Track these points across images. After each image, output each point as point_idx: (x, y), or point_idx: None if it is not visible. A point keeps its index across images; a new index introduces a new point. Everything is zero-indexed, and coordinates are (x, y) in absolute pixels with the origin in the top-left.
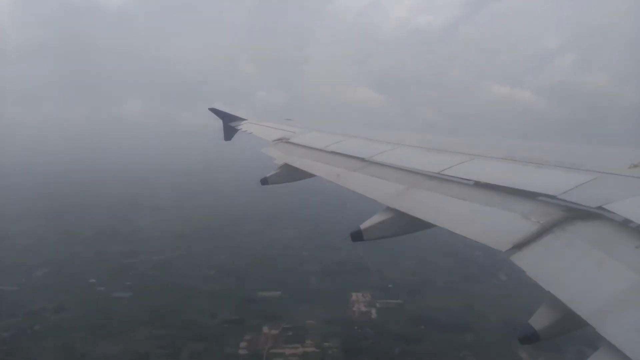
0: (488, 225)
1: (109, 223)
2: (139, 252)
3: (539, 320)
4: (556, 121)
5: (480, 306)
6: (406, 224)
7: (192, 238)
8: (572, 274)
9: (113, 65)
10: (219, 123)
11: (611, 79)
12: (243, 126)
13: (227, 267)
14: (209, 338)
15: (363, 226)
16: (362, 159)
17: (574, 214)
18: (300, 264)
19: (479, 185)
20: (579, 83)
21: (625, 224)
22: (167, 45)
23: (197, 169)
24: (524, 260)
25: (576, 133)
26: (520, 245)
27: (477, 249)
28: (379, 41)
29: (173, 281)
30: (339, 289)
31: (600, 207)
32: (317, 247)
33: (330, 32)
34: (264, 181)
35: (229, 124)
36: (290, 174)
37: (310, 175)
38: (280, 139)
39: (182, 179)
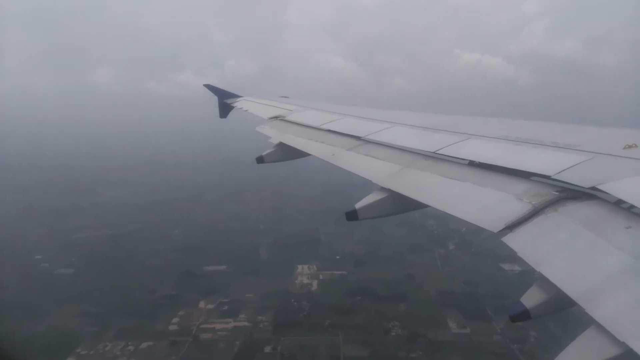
0: (481, 206)
1: (70, 197)
2: (92, 227)
3: (530, 298)
4: (537, 86)
5: (421, 276)
6: (400, 204)
7: (151, 212)
8: (563, 255)
9: (81, 33)
10: (194, 93)
11: (584, 45)
12: (238, 103)
13: (179, 241)
14: (142, 314)
15: (358, 205)
16: (358, 138)
17: (568, 194)
18: (254, 237)
19: (473, 165)
20: (553, 49)
21: (617, 205)
22: (136, 12)
23: (180, 143)
24: (516, 241)
25: (548, 98)
26: (512, 226)
27: (431, 218)
28: (357, 8)
29: (120, 256)
30: (286, 261)
31: (593, 188)
32: (275, 219)
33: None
34: (260, 160)
35: (224, 101)
36: (286, 152)
37: (306, 154)
38: (276, 117)
39: (161, 153)
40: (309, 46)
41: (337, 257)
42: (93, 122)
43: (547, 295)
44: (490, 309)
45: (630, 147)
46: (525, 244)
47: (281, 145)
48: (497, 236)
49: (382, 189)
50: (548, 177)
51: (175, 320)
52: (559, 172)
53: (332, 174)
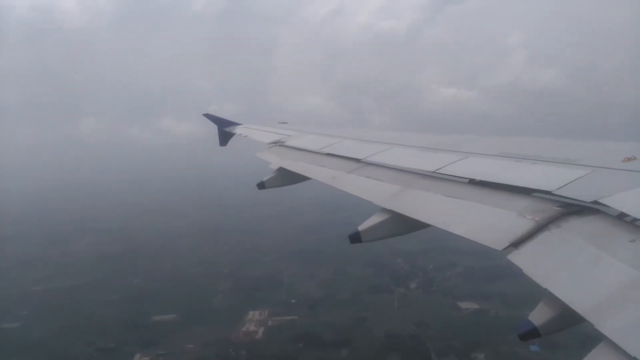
0: (484, 224)
1: (42, 248)
2: (54, 278)
3: (539, 316)
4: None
5: (373, 319)
6: (403, 225)
7: (118, 260)
8: (569, 270)
9: (65, 85)
10: (177, 139)
11: (567, 76)
12: (238, 130)
13: (137, 290)
14: None
15: (361, 228)
16: (358, 160)
17: (570, 209)
18: (215, 282)
19: (474, 183)
20: (535, 79)
21: (620, 218)
22: (120, 63)
23: (165, 188)
24: (521, 259)
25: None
26: (516, 243)
27: (399, 256)
28: (341, 50)
29: (72, 308)
30: (239, 307)
31: (595, 202)
32: (242, 262)
33: (292, 43)
34: (261, 185)
35: (224, 129)
36: (286, 177)
37: (307, 178)
38: (275, 142)
39: (145, 199)
40: (291, 88)
41: (293, 300)
42: (78, 172)
43: (555, 312)
44: (435, 352)
45: (629, 159)
46: (531, 261)
47: (281, 171)
48: (501, 254)
49: (384, 210)
50: (549, 193)
51: None
52: (560, 187)
53: (320, 205)
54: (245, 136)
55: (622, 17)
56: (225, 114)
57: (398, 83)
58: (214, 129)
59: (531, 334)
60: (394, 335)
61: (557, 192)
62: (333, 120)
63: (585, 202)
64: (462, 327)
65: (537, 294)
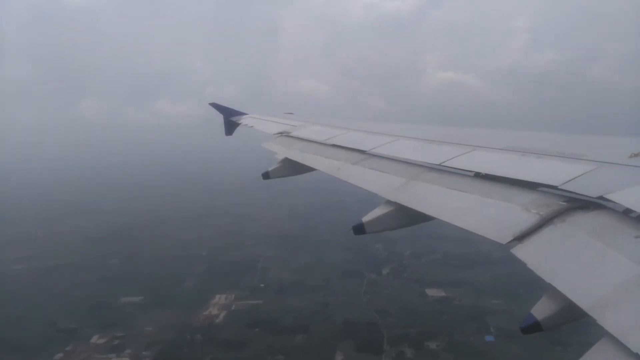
0: (488, 217)
1: (31, 227)
2: (35, 258)
3: (541, 310)
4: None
5: (336, 305)
6: (407, 217)
7: (100, 241)
8: (573, 265)
9: (65, 66)
10: (176, 121)
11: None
12: (244, 120)
13: (111, 272)
14: (28, 349)
15: (365, 219)
16: (363, 152)
17: (575, 204)
18: (190, 264)
19: (479, 176)
20: (538, 63)
21: (626, 214)
22: (123, 45)
23: (165, 170)
24: (525, 253)
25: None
26: (520, 237)
27: (379, 241)
28: (344, 31)
29: (46, 288)
30: (207, 290)
31: (601, 197)
32: (222, 246)
33: (295, 25)
34: (266, 175)
35: (230, 119)
36: (291, 168)
37: (312, 169)
38: (280, 133)
39: (143, 180)
40: (292, 71)
41: (262, 285)
42: (77, 153)
43: (557, 307)
44: (388, 340)
45: (636, 155)
46: (535, 255)
47: (286, 161)
48: (505, 248)
49: (389, 202)
50: (555, 187)
51: (58, 356)
52: (566, 182)
53: (314, 192)
54: (251, 126)
55: (629, 5)
56: (224, 96)
57: (403, 65)
58: (218, 114)
59: (533, 327)
60: (352, 322)
61: (563, 187)
62: (336, 104)
63: (591, 197)
64: (423, 314)
65: (504, 283)
